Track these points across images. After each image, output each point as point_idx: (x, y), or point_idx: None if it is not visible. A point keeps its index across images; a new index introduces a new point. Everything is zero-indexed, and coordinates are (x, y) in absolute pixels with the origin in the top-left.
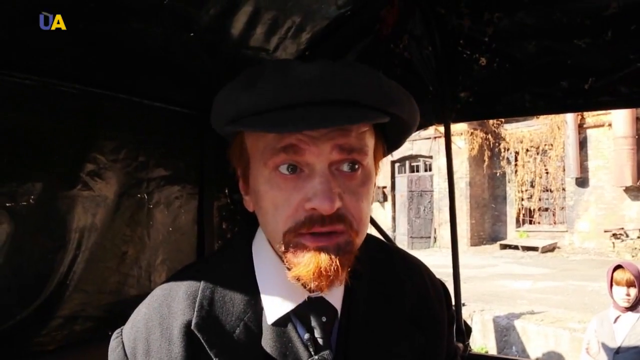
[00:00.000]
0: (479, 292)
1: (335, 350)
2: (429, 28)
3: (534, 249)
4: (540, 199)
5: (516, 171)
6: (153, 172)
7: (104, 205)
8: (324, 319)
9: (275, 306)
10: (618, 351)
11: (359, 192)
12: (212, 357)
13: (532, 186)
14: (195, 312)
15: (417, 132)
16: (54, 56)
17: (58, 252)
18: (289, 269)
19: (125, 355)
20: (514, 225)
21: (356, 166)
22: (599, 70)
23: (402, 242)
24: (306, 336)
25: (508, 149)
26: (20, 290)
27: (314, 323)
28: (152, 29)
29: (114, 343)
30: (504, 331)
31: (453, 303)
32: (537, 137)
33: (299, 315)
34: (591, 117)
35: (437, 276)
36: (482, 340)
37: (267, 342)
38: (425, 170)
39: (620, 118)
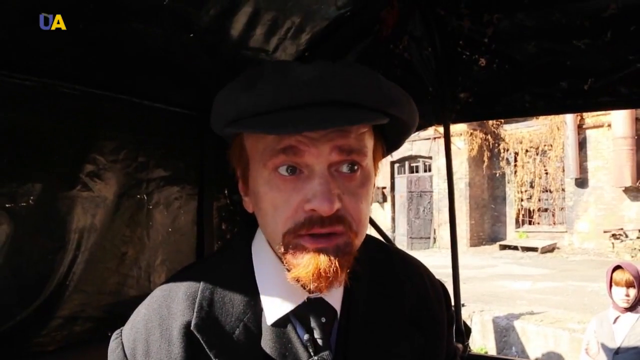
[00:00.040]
0: (478, 293)
1: (335, 350)
2: (428, 29)
3: (534, 249)
4: (539, 200)
5: (515, 172)
6: (153, 172)
7: (104, 206)
8: (323, 319)
9: (274, 307)
10: (617, 352)
11: (358, 193)
12: (212, 357)
13: (532, 187)
14: (195, 313)
15: (417, 133)
16: (54, 56)
17: (58, 252)
18: (288, 270)
19: (125, 356)
20: (513, 225)
21: (355, 167)
22: (598, 71)
23: (401, 242)
24: (306, 337)
25: (507, 150)
26: (20, 291)
27: (313, 324)
28: (152, 30)
29: (113, 344)
30: (504, 332)
31: (452, 304)
32: (537, 138)
33: (299, 316)
34: (590, 117)
35: (437, 277)
36: (481, 340)
37: (267, 343)
38: (425, 171)
39: (619, 119)
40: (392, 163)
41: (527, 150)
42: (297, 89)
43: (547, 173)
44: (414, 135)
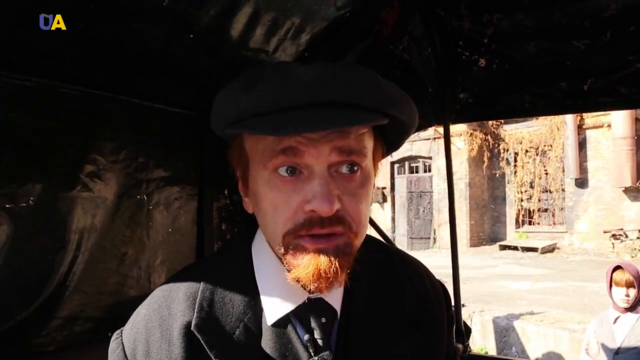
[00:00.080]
0: (478, 293)
1: (335, 351)
2: (428, 29)
3: (534, 249)
4: (539, 200)
5: (515, 172)
6: (153, 173)
7: (104, 206)
8: (323, 320)
9: (275, 307)
10: (618, 352)
11: (358, 193)
12: (212, 358)
13: (532, 187)
14: (195, 313)
15: (417, 133)
16: (54, 57)
17: (58, 253)
18: (288, 271)
19: (125, 356)
20: (513, 226)
21: (355, 168)
22: (598, 71)
23: (401, 243)
24: (306, 337)
25: (507, 150)
26: (20, 291)
27: (313, 324)
28: (152, 30)
29: (113, 344)
30: (504, 332)
31: (452, 304)
32: (537, 138)
33: (299, 316)
34: (590, 118)
35: (437, 277)
36: (481, 341)
37: (267, 343)
38: (425, 171)
39: (619, 119)
40: (392, 163)
41: (527, 151)
42: (297, 90)
43: (547, 173)
44: (414, 136)
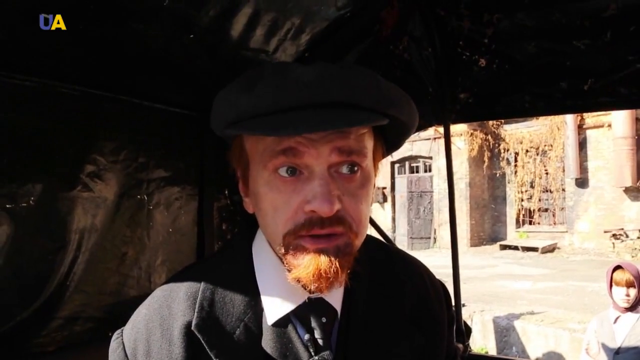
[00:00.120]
0: (478, 293)
1: (335, 350)
2: (428, 29)
3: (534, 249)
4: (540, 200)
5: (516, 172)
6: (153, 173)
7: (104, 207)
8: (323, 319)
9: (275, 307)
10: (618, 351)
11: (358, 194)
12: (213, 357)
13: (532, 187)
14: (196, 313)
15: (417, 133)
16: (54, 57)
17: (58, 253)
18: (289, 271)
19: (126, 356)
20: (513, 225)
21: (355, 168)
22: (598, 71)
23: (401, 242)
24: (306, 337)
25: (508, 150)
26: (20, 291)
27: (314, 324)
28: (152, 30)
29: (114, 344)
30: (504, 332)
31: (453, 304)
32: (537, 138)
33: (299, 316)
34: (591, 117)
35: (437, 277)
36: (482, 340)
37: (268, 343)
38: (425, 171)
39: (619, 119)
40: (393, 163)
41: (527, 151)
42: (296, 91)
43: (547, 173)
44: (414, 136)
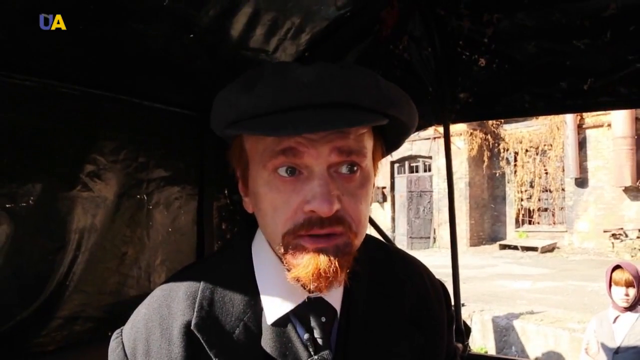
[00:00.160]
0: (478, 293)
1: (335, 350)
2: (428, 29)
3: (534, 249)
4: (539, 199)
5: (515, 171)
6: (153, 172)
7: (104, 206)
8: (323, 319)
9: (274, 306)
10: (617, 351)
11: (358, 194)
12: (212, 357)
13: (532, 186)
14: (195, 313)
15: (417, 133)
16: (54, 57)
17: (58, 252)
18: (288, 270)
19: (125, 355)
20: (513, 225)
21: (355, 168)
22: (598, 71)
23: (401, 242)
24: (306, 336)
25: (507, 150)
26: (20, 291)
27: (313, 323)
28: (152, 30)
29: (113, 343)
30: (504, 331)
31: (452, 303)
32: (537, 138)
33: (299, 315)
34: (590, 117)
35: (437, 276)
36: (481, 340)
37: (267, 342)
38: (425, 171)
39: (619, 118)
40: (392, 163)
41: (527, 150)
42: (296, 91)
43: (547, 173)
44: (414, 135)
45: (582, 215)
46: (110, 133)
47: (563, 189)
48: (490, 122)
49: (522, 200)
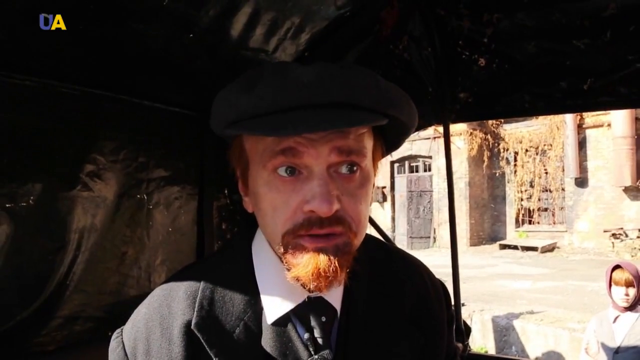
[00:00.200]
0: (478, 292)
1: (335, 349)
2: (428, 29)
3: (534, 249)
4: (539, 199)
5: (515, 171)
6: (153, 172)
7: (104, 206)
8: (323, 318)
9: (275, 306)
10: (617, 351)
11: (358, 194)
12: (212, 356)
13: (532, 186)
14: (195, 312)
15: (417, 133)
16: (54, 57)
17: (58, 252)
18: (288, 270)
19: (126, 355)
20: (513, 225)
21: (355, 168)
22: (598, 70)
23: (401, 242)
24: (306, 336)
25: (507, 149)
26: (20, 291)
27: (313, 323)
28: (152, 30)
29: (114, 343)
30: (504, 331)
31: (452, 303)
32: (537, 138)
33: (299, 315)
34: (590, 117)
35: (437, 276)
36: (481, 340)
37: (267, 342)
38: (425, 171)
39: (619, 118)
40: (392, 163)
41: (526, 150)
42: (296, 91)
43: (547, 173)
44: (413, 135)
45: (582, 215)
46: (110, 133)
47: (563, 189)
48: (490, 122)
49: (522, 200)
